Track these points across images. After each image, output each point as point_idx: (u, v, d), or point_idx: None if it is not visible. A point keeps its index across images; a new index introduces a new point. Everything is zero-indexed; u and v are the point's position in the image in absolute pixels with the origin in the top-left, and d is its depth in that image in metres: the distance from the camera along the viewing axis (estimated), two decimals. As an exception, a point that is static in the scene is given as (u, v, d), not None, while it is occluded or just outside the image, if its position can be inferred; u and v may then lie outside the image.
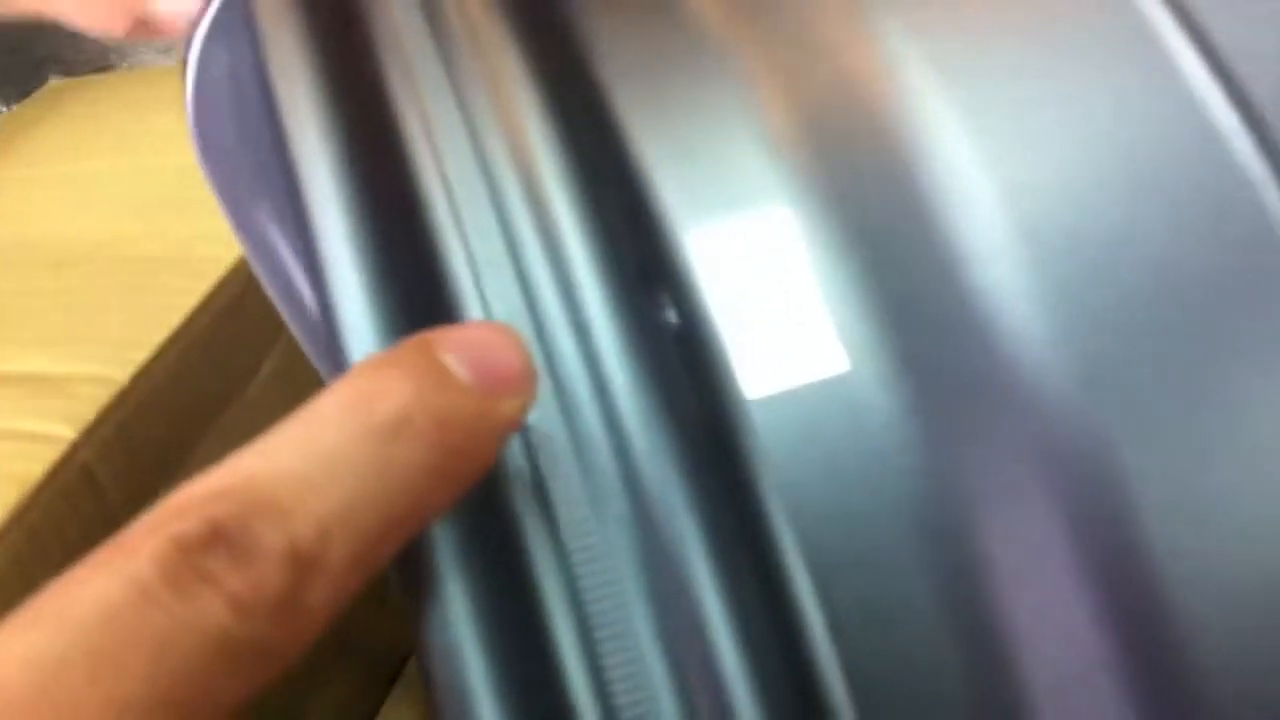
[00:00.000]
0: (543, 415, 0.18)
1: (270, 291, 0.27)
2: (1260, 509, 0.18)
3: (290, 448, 0.15)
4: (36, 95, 0.73)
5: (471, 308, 0.19)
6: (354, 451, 0.15)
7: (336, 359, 0.19)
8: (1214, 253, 0.19)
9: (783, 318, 0.19)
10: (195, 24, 0.22)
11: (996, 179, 0.19)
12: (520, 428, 0.18)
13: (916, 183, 0.20)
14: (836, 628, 0.18)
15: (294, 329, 0.28)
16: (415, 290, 0.19)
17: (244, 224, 0.25)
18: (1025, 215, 0.19)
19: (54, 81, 0.74)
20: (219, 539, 0.14)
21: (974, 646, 0.18)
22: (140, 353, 0.46)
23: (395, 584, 0.17)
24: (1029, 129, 0.20)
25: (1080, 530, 0.18)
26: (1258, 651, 0.18)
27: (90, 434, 0.44)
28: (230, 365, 0.50)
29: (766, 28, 0.22)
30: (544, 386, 0.18)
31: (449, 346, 0.17)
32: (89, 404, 0.44)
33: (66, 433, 0.43)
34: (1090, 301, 0.19)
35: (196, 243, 0.50)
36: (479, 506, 0.17)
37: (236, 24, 0.21)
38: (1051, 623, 0.18)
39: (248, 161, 0.22)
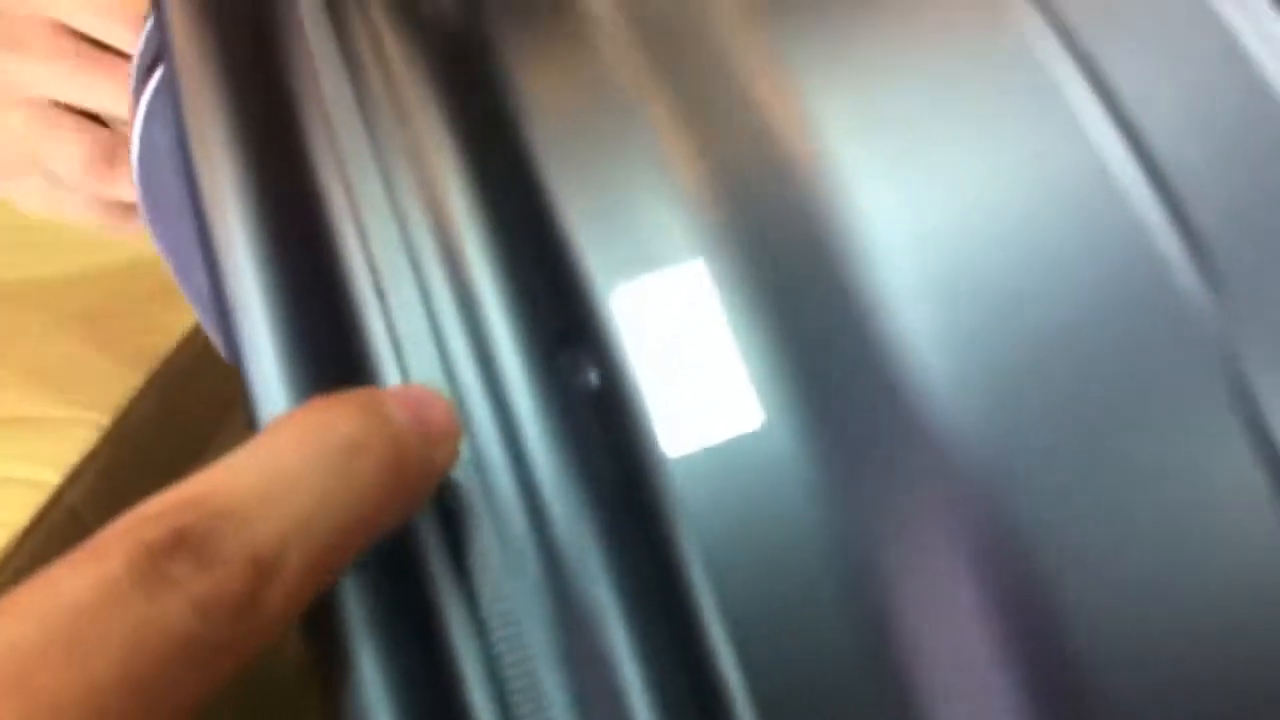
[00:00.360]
0: (459, 482, 0.19)
1: (205, 326, 0.28)
2: (1153, 553, 0.18)
3: (252, 464, 0.17)
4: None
5: (391, 382, 0.20)
6: (312, 468, 0.17)
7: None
8: (1110, 303, 0.19)
9: (700, 375, 0.19)
10: (134, 103, 0.23)
11: (906, 231, 0.20)
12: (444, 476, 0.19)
13: (828, 236, 0.20)
14: (755, 687, 0.18)
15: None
16: (332, 369, 0.20)
17: (188, 284, 0.25)
18: (933, 267, 0.20)
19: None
20: (184, 545, 0.15)
21: (889, 698, 0.18)
22: (122, 394, 0.47)
23: (307, 654, 0.18)
24: (938, 182, 0.20)
25: (985, 574, 0.19)
26: (1156, 687, 0.18)
27: (75, 477, 0.44)
28: (211, 402, 0.51)
29: (686, 83, 0.22)
30: (462, 454, 0.19)
31: (388, 397, 0.18)
32: (73, 447, 0.45)
33: (51, 477, 0.44)
34: (994, 351, 0.19)
35: (175, 283, 0.50)
36: (393, 574, 0.18)
37: (170, 103, 0.22)
38: (960, 668, 0.18)
39: (189, 228, 0.22)
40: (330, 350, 0.20)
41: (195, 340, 0.49)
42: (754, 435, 0.19)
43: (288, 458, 0.16)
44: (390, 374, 0.20)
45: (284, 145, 0.21)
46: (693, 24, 0.23)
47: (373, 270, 0.20)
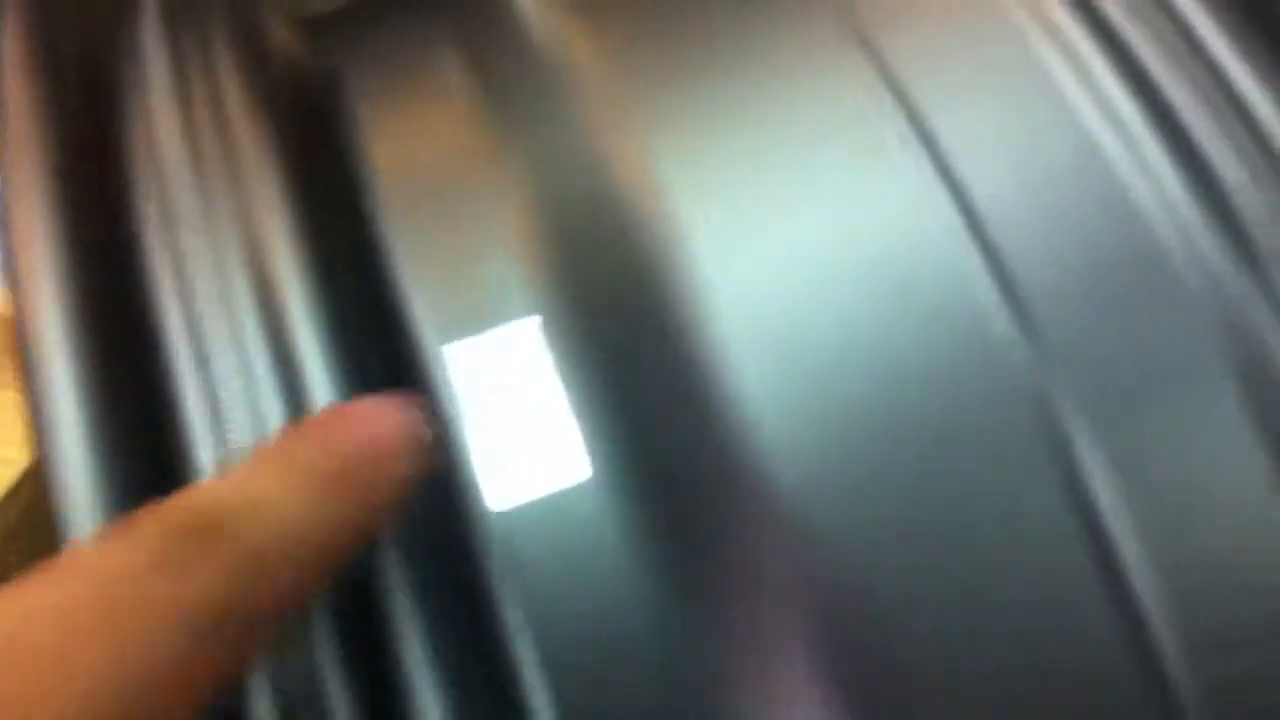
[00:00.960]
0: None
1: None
2: (968, 598, 0.19)
3: (248, 479, 0.18)
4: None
5: (204, 454, 0.21)
6: (293, 487, 0.18)
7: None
8: (931, 353, 0.20)
9: (528, 432, 0.20)
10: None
11: (738, 290, 0.21)
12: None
13: (662, 296, 0.21)
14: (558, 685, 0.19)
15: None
16: (142, 445, 0.20)
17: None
18: (762, 325, 0.20)
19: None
20: (192, 538, 0.17)
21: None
22: None
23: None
24: (768, 241, 0.21)
25: (810, 625, 0.19)
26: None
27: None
28: None
29: (530, 141, 0.23)
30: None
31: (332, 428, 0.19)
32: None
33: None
34: (820, 407, 0.20)
35: None
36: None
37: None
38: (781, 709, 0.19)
39: None
40: (142, 424, 0.20)
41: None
42: (582, 494, 0.20)
43: (265, 481, 0.18)
44: (204, 450, 0.20)
45: (109, 203, 0.22)
46: (542, 86, 0.24)
47: (195, 338, 0.21)
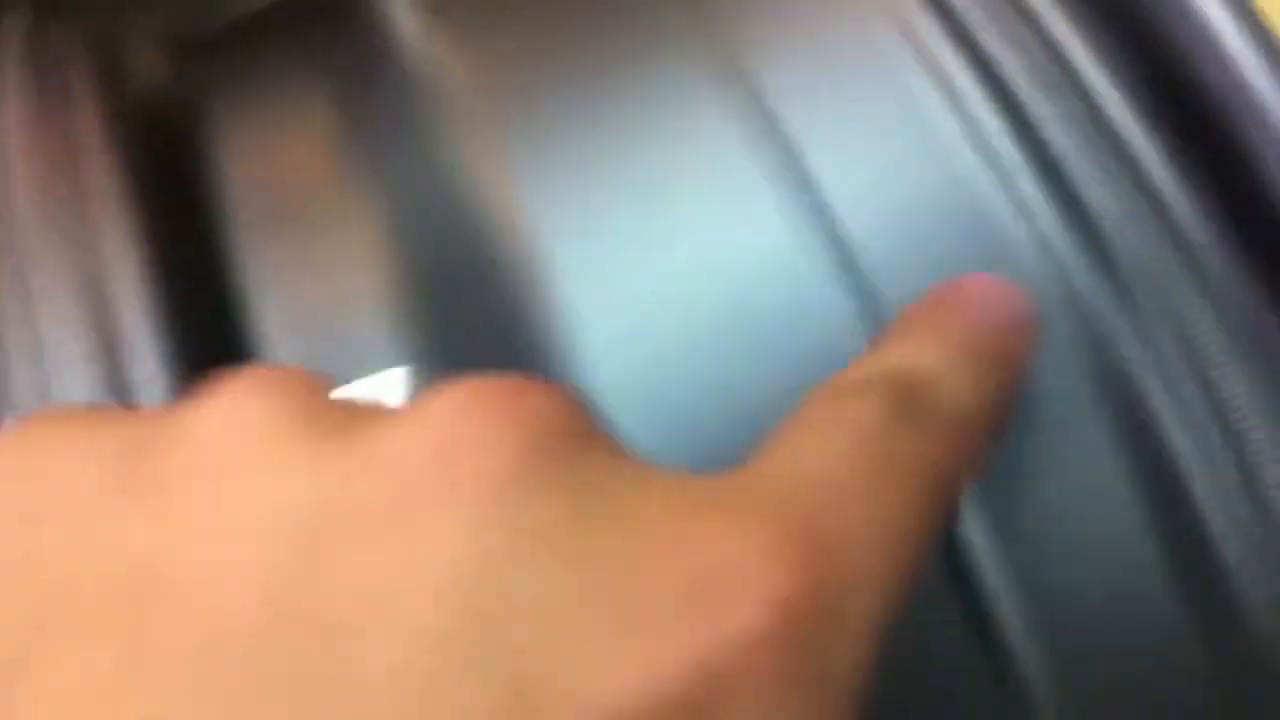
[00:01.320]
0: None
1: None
2: None
3: (914, 352, 0.17)
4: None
5: None
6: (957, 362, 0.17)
7: None
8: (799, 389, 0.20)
9: None
10: None
11: (610, 335, 0.20)
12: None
13: (529, 340, 0.20)
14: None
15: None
16: None
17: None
18: (636, 367, 0.20)
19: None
20: (912, 401, 0.16)
21: None
22: None
23: None
24: (640, 283, 0.21)
25: None
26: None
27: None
28: None
29: (398, 175, 0.22)
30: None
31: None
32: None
33: None
34: (689, 442, 0.19)
35: None
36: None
37: None
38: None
39: None
40: None
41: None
42: None
43: (930, 354, 0.17)
44: None
45: None
46: (413, 122, 0.23)
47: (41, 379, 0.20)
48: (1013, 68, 0.21)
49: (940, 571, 0.19)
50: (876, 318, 0.20)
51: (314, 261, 0.21)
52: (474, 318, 0.21)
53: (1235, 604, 0.19)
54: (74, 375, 0.20)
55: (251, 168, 0.23)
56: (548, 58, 0.23)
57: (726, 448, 0.19)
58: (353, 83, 0.25)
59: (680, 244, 0.21)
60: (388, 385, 0.20)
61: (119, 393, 0.19)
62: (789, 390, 0.20)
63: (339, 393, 0.21)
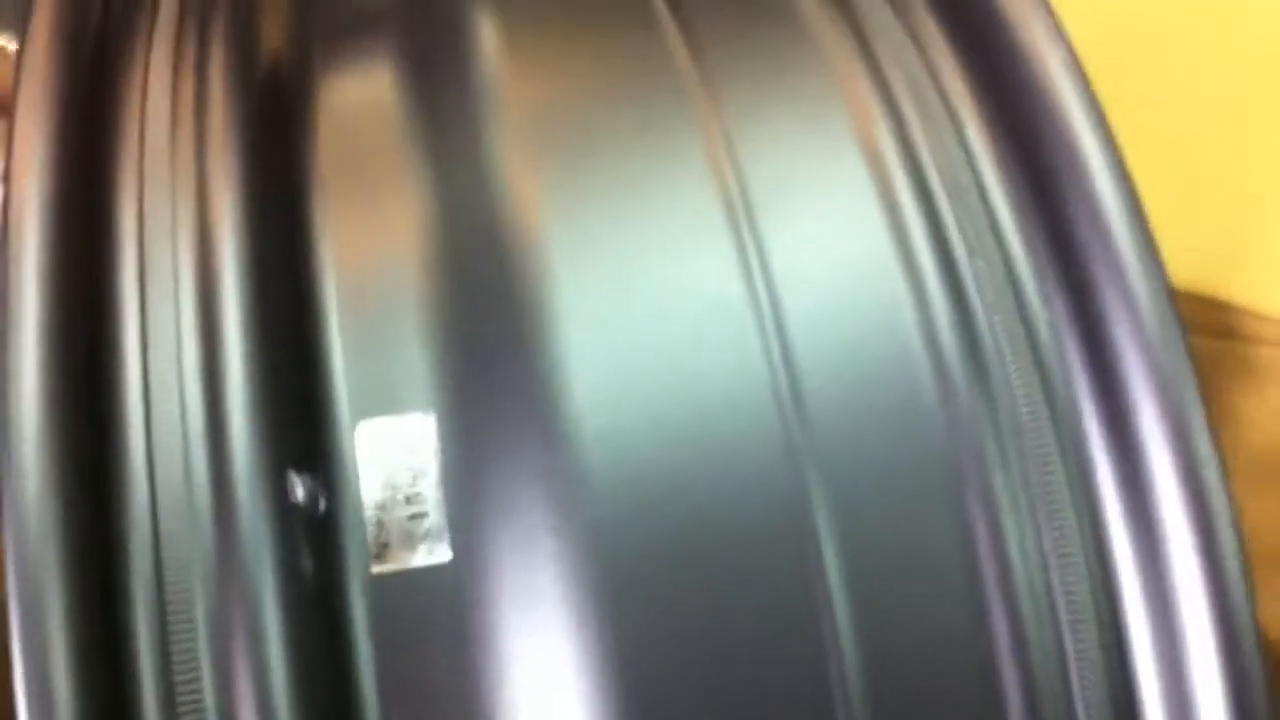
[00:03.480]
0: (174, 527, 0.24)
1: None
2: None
3: None
4: None
5: (135, 434, 0.24)
6: None
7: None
8: (724, 421, 0.25)
9: (410, 511, 0.25)
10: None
11: (605, 372, 0.25)
12: None
13: (535, 395, 0.25)
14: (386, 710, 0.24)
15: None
16: (87, 416, 0.24)
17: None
18: (618, 414, 0.25)
19: None
20: None
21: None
22: None
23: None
24: (630, 333, 0.26)
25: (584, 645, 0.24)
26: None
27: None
28: None
29: (445, 170, 0.28)
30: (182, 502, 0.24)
31: None
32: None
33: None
34: (633, 431, 0.25)
35: None
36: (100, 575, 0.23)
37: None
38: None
39: None
40: (88, 445, 0.23)
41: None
42: (438, 569, 0.24)
43: None
44: (140, 496, 0.24)
45: (95, 145, 0.26)
46: (471, 123, 0.28)
47: (146, 380, 0.25)
48: (947, 208, 0.26)
49: (809, 601, 0.24)
50: (795, 384, 0.25)
51: (379, 247, 0.27)
52: (485, 325, 0.26)
53: None
54: (172, 312, 0.25)
55: (339, 144, 0.29)
56: (591, 109, 0.28)
57: (654, 460, 0.25)
58: (430, 76, 0.30)
59: (658, 286, 0.26)
60: (413, 430, 0.26)
61: (212, 419, 0.25)
62: (712, 417, 0.25)
63: (367, 425, 0.26)
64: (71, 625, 0.22)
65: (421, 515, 0.25)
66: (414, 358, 0.26)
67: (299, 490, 0.24)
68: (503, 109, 0.29)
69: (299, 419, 0.25)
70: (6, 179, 0.24)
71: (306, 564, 0.24)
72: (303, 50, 0.32)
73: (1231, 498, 0.22)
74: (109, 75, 0.28)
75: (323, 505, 0.25)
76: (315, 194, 0.28)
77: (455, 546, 0.24)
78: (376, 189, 0.28)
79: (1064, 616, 0.24)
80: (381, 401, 0.25)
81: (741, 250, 0.26)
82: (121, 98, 0.27)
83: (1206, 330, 0.40)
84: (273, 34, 0.32)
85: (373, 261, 0.27)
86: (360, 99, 0.30)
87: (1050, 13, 0.27)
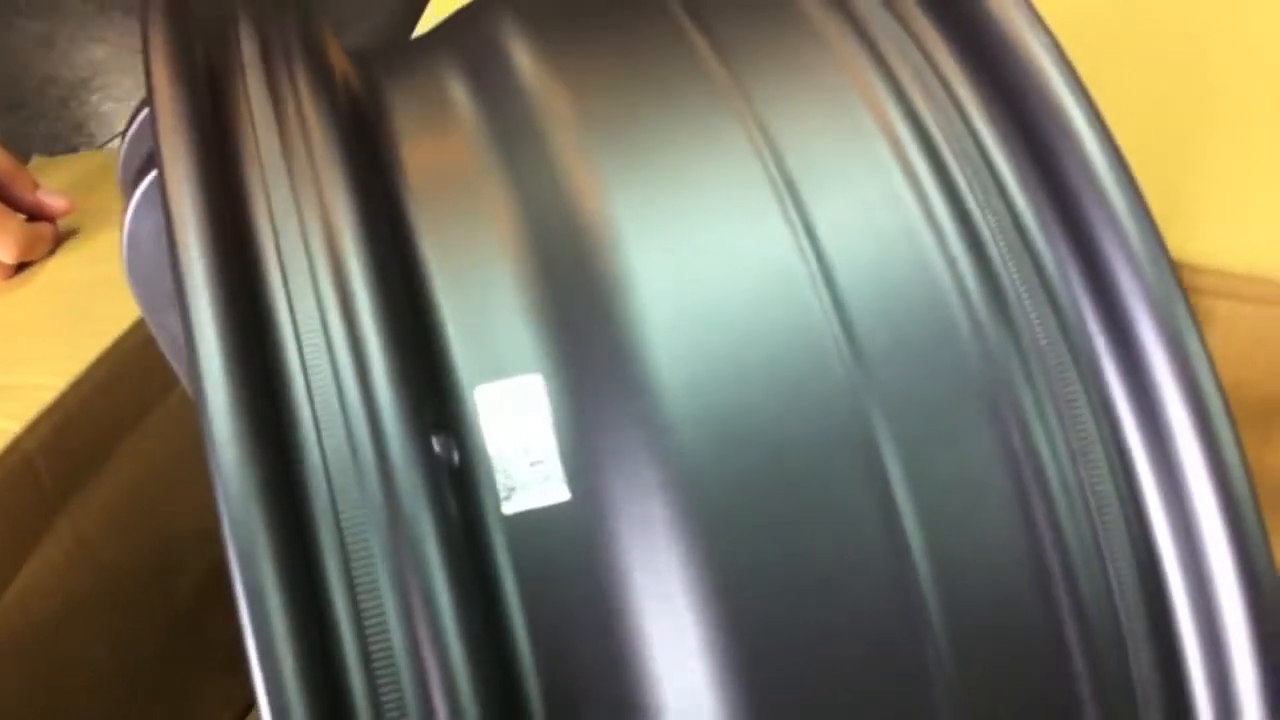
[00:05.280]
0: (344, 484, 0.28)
1: (173, 364, 0.37)
2: (795, 574, 0.28)
3: None
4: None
5: (302, 408, 0.28)
6: None
7: (201, 421, 0.27)
8: (787, 363, 0.29)
9: (531, 460, 0.29)
10: (130, 196, 0.32)
11: (662, 312, 0.29)
12: None
13: (623, 352, 0.29)
14: (533, 629, 0.28)
15: (187, 386, 0.38)
16: (260, 386, 0.27)
17: (157, 323, 0.34)
18: (686, 351, 0.29)
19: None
20: None
21: (615, 659, 0.28)
22: (77, 366, 0.56)
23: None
24: (694, 281, 0.30)
25: (690, 557, 0.28)
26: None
27: (32, 429, 0.54)
28: (150, 381, 0.60)
29: (521, 177, 0.32)
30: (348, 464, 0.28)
31: None
32: (33, 406, 0.54)
33: (13, 426, 0.53)
34: (714, 394, 0.29)
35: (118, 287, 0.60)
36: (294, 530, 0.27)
37: (157, 198, 0.30)
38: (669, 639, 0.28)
39: (165, 286, 0.31)
40: (269, 418, 0.27)
41: (140, 329, 0.59)
42: (560, 506, 0.29)
43: None
44: (314, 460, 0.27)
45: (239, 245, 0.29)
46: (531, 132, 0.32)
47: (302, 359, 0.28)
48: (960, 174, 0.31)
49: (876, 516, 0.28)
50: (845, 321, 0.29)
51: (471, 238, 0.31)
52: (573, 298, 0.30)
53: None
54: (329, 373, 0.28)
55: (419, 155, 0.33)
56: (639, 110, 0.33)
57: (729, 401, 0.29)
58: (487, 96, 0.34)
59: (718, 254, 0.30)
60: (524, 390, 0.30)
61: (362, 386, 0.28)
62: (778, 361, 0.29)
63: (484, 389, 0.30)
64: (279, 568, 0.26)
65: (539, 462, 0.29)
66: (516, 330, 0.30)
67: (438, 447, 0.28)
68: (558, 114, 0.33)
69: (428, 388, 0.29)
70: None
71: (452, 509, 0.28)
72: (367, 74, 0.36)
73: (1219, 384, 0.27)
74: (220, 107, 0.31)
75: (456, 459, 0.29)
76: (406, 197, 0.32)
77: (572, 487, 0.29)
78: (457, 191, 0.32)
79: (1091, 504, 0.29)
80: (492, 369, 0.29)
81: (788, 221, 0.30)
82: (234, 125, 0.31)
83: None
84: (339, 60, 0.36)
85: (466, 252, 0.31)
86: (428, 113, 0.34)
87: (1029, 6, 0.32)
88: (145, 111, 0.33)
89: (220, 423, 0.26)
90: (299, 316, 0.28)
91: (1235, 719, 0.28)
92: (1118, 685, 0.29)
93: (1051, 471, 0.29)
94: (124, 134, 0.34)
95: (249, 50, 0.34)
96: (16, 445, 0.53)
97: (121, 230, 0.32)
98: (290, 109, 0.32)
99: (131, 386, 0.59)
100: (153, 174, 0.31)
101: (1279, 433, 0.55)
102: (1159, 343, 0.28)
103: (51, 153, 0.95)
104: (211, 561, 0.70)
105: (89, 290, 0.62)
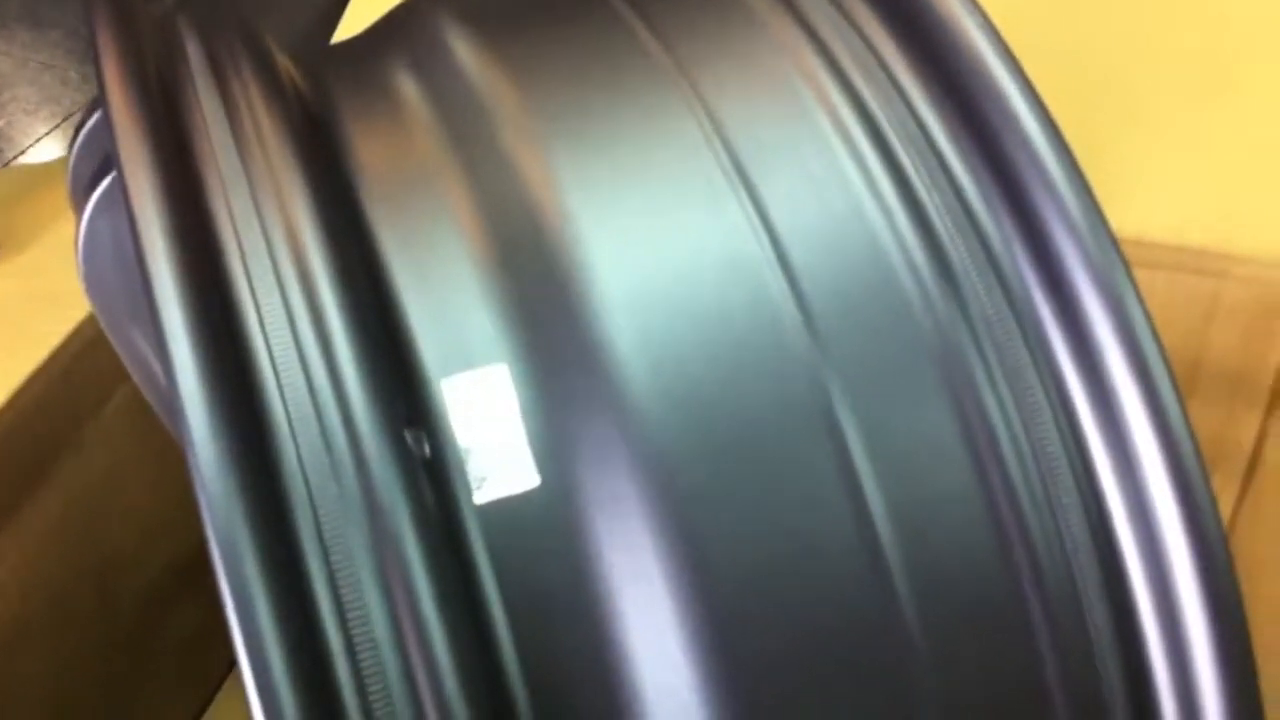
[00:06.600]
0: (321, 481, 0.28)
1: (132, 373, 0.36)
2: (763, 539, 0.29)
3: None
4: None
5: (276, 408, 0.29)
6: None
7: (178, 424, 0.28)
8: (743, 338, 0.30)
9: (499, 449, 0.29)
10: (84, 201, 0.31)
11: (617, 289, 0.30)
12: None
13: (586, 338, 0.30)
14: (511, 613, 0.28)
15: (147, 395, 0.37)
16: (234, 389, 0.28)
17: (117, 334, 0.34)
18: (643, 331, 0.30)
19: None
20: None
21: (594, 639, 0.29)
22: (12, 381, 0.55)
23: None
24: (643, 256, 0.31)
25: (661, 534, 0.29)
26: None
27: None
28: (85, 395, 0.60)
29: (475, 171, 0.32)
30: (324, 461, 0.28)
31: None
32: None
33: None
34: (680, 368, 0.30)
35: (61, 295, 0.59)
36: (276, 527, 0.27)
37: (115, 204, 0.30)
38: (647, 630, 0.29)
39: (124, 294, 0.31)
40: (245, 418, 0.27)
41: (73, 342, 0.58)
42: (530, 491, 0.29)
43: None
44: (289, 457, 0.28)
45: (204, 244, 0.30)
46: (481, 127, 0.33)
47: (273, 360, 0.28)
48: (904, 153, 0.32)
49: (835, 481, 0.29)
50: (800, 297, 0.30)
51: (429, 233, 0.31)
52: (534, 287, 0.31)
53: None
54: (299, 371, 0.29)
55: (372, 154, 0.33)
56: (589, 100, 0.33)
57: (691, 375, 0.30)
58: (435, 91, 0.35)
59: (674, 238, 0.31)
60: (491, 380, 0.30)
61: (334, 384, 0.29)
62: (734, 337, 0.30)
63: (451, 381, 0.31)
64: (263, 566, 0.26)
65: (509, 449, 0.29)
66: (479, 322, 0.30)
67: (409, 440, 0.29)
68: (507, 107, 0.33)
69: (397, 383, 0.29)
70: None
71: (428, 500, 0.28)
72: (314, 76, 0.36)
73: (1161, 346, 0.29)
74: (174, 114, 0.31)
75: (427, 451, 0.29)
76: (363, 196, 0.32)
77: (542, 472, 0.29)
78: (413, 188, 0.32)
79: (1043, 465, 0.30)
80: (459, 361, 0.30)
81: (740, 204, 0.31)
82: (189, 132, 0.31)
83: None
84: (284, 64, 0.36)
85: (426, 248, 0.31)
86: (377, 112, 0.35)
87: (961, -12, 0.33)
88: (93, 121, 0.33)
89: (199, 424, 0.26)
90: (266, 317, 0.29)
91: (1188, 669, 0.29)
92: (1074, 637, 0.30)
93: (1003, 435, 0.30)
94: (71, 144, 0.34)
95: (196, 57, 0.34)
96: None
97: (76, 239, 0.32)
98: (243, 114, 0.32)
99: (67, 402, 0.58)
100: (107, 181, 0.31)
101: (1194, 397, 0.57)
102: (1102, 310, 0.29)
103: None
104: (151, 576, 0.70)
105: (15, 307, 0.61)
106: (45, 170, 0.80)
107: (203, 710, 0.71)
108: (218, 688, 0.72)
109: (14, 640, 0.57)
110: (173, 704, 0.69)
